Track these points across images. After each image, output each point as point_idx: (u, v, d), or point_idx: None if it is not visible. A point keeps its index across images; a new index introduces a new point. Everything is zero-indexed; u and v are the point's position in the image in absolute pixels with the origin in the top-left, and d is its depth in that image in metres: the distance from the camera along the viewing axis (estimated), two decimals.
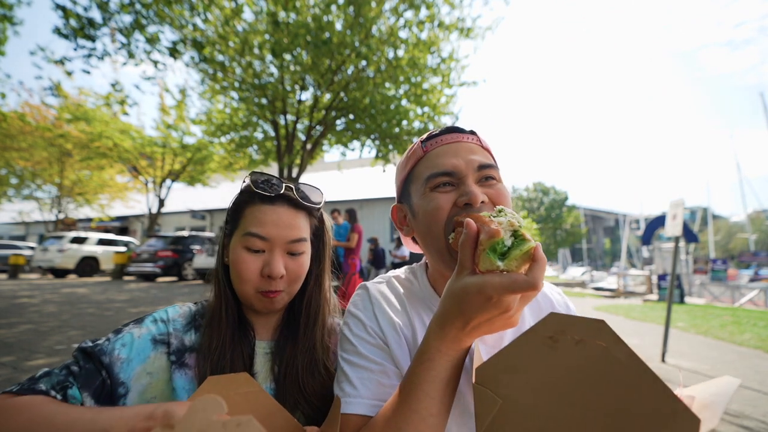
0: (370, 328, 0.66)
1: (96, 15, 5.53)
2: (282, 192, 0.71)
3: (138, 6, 5.59)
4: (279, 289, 0.70)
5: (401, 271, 0.78)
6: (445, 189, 0.63)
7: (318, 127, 8.66)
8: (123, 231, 22.13)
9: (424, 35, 7.10)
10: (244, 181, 0.73)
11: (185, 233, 11.76)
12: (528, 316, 0.70)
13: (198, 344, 0.69)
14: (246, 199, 0.72)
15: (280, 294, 0.70)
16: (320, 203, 0.75)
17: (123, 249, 13.00)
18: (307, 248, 0.74)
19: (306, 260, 0.74)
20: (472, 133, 0.69)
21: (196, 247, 11.37)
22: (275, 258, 0.69)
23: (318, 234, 0.78)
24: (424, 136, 0.69)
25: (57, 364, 2.90)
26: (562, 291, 0.78)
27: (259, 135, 9.65)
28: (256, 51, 7.05)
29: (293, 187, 0.72)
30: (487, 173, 0.64)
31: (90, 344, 0.62)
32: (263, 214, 0.70)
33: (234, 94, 8.36)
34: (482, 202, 0.61)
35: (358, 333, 0.66)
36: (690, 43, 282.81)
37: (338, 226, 6.23)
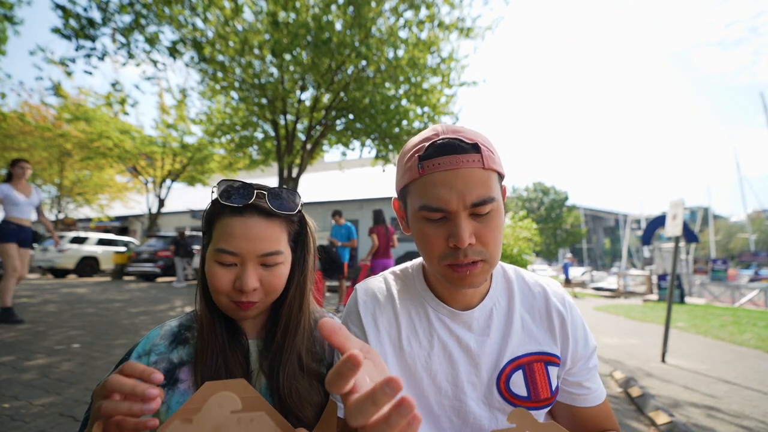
0: (351, 332, 0.67)
1: (96, 15, 5.54)
2: (251, 202, 0.66)
3: (138, 6, 5.59)
4: (253, 300, 0.68)
5: (399, 267, 0.79)
6: (436, 223, 0.61)
7: (318, 127, 8.66)
8: (123, 231, 22.12)
9: (424, 35, 7.09)
10: (212, 191, 0.69)
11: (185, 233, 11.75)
12: (519, 308, 0.71)
13: (189, 357, 0.69)
14: (216, 211, 0.68)
15: (254, 305, 0.68)
16: (296, 209, 0.72)
17: (123, 249, 12.99)
18: (284, 259, 0.70)
19: (282, 271, 0.70)
20: (475, 149, 0.60)
21: (196, 247, 11.36)
22: (247, 272, 0.66)
23: (299, 239, 0.75)
24: (422, 150, 0.62)
25: (57, 364, 2.90)
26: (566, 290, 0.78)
27: (259, 135, 9.64)
28: (256, 51, 7.05)
29: (266, 193, 0.69)
30: (484, 208, 0.59)
31: (87, 408, 0.64)
32: (232, 227, 0.66)
33: (234, 94, 8.35)
34: (469, 244, 0.59)
35: None
36: (682, 43, 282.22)
37: (339, 226, 6.22)
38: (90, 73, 5.87)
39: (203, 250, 0.73)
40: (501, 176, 0.64)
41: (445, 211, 0.60)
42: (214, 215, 0.69)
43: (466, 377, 0.68)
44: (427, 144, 0.62)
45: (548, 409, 0.70)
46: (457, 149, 0.59)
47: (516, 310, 0.71)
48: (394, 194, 0.75)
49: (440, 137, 0.61)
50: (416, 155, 0.62)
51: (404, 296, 0.73)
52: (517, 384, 0.67)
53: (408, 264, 0.79)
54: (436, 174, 0.60)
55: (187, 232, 11.87)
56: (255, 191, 0.67)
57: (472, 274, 0.61)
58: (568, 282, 15.90)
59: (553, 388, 0.68)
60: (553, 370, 0.68)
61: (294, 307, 0.74)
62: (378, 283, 0.76)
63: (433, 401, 0.68)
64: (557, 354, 0.69)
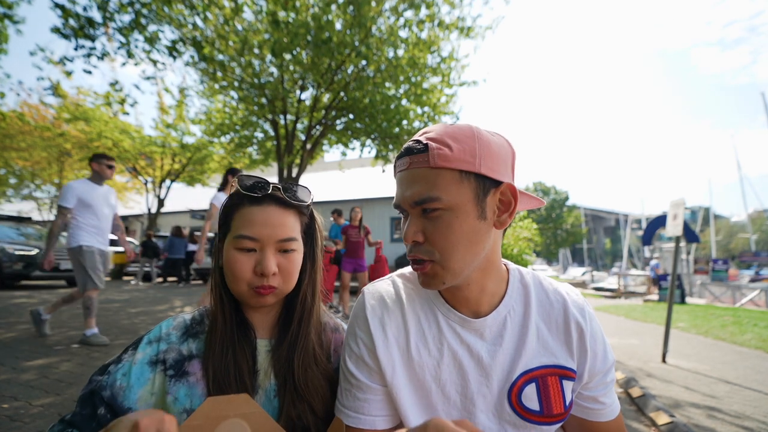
0: (359, 338, 0.68)
1: (95, 15, 5.53)
2: (269, 192, 0.72)
3: (138, 5, 5.59)
4: (272, 284, 0.71)
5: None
6: (404, 221, 0.64)
7: (318, 127, 8.66)
8: None
9: (424, 35, 7.09)
10: (232, 186, 0.74)
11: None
12: (535, 316, 0.68)
13: (199, 350, 0.71)
14: (235, 203, 0.73)
15: (273, 290, 0.71)
16: (308, 201, 0.77)
17: (122, 249, 12.99)
18: (298, 246, 0.75)
19: (297, 257, 0.75)
20: (425, 149, 0.59)
21: (196, 247, 11.35)
22: (267, 256, 0.70)
23: (309, 232, 0.80)
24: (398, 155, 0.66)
25: (56, 364, 2.90)
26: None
27: (259, 135, 9.65)
28: (256, 51, 7.05)
29: (281, 187, 0.74)
30: (427, 206, 0.59)
31: (94, 381, 0.66)
32: (252, 215, 0.71)
33: (234, 94, 8.35)
34: (415, 241, 0.61)
35: (348, 342, 0.69)
36: (681, 42, 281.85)
37: (338, 226, 6.22)
38: (89, 72, 5.86)
39: (219, 243, 0.76)
40: (472, 175, 0.59)
41: (401, 209, 0.63)
42: (233, 207, 0.74)
43: (477, 388, 0.65)
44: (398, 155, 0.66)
45: (560, 424, 0.67)
46: (411, 150, 0.61)
47: (532, 319, 0.67)
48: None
49: (411, 139, 0.64)
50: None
51: (414, 301, 0.70)
52: (530, 397, 0.64)
53: None
54: (397, 175, 0.64)
55: (186, 232, 11.89)
56: (271, 184, 0.73)
57: (422, 273, 0.62)
58: (657, 284, 14.98)
59: (567, 403, 0.65)
60: (567, 385, 0.65)
61: (308, 298, 0.78)
62: (386, 286, 0.73)
63: (442, 412, 0.66)
64: (573, 368, 0.66)
